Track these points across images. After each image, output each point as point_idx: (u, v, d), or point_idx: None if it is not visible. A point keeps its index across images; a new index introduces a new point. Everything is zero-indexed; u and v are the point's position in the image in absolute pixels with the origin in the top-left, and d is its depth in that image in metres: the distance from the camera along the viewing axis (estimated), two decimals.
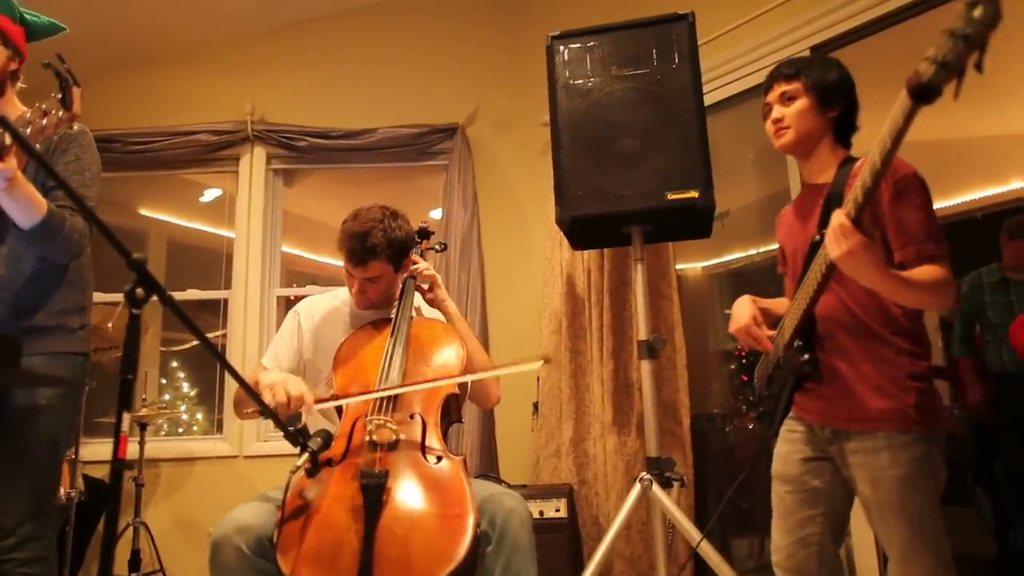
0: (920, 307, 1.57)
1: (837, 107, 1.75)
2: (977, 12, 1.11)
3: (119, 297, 1.25)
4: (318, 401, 1.77)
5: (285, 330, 2.16)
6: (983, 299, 3.45)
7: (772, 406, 1.77)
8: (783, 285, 1.96)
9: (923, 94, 1.18)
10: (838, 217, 1.40)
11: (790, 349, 1.67)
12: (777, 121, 1.76)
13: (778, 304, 1.89)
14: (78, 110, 1.57)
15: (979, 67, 1.13)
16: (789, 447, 1.76)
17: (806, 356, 1.63)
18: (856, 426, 1.60)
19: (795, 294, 1.66)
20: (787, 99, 1.76)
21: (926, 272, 1.50)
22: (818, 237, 1.61)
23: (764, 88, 1.84)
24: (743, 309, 1.80)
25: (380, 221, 2.01)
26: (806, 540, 1.68)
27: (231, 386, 3.80)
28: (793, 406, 1.75)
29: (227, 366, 1.46)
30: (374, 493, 1.53)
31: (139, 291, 1.26)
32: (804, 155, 1.80)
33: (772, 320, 1.80)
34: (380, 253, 1.99)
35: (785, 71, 1.77)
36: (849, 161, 1.73)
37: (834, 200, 1.63)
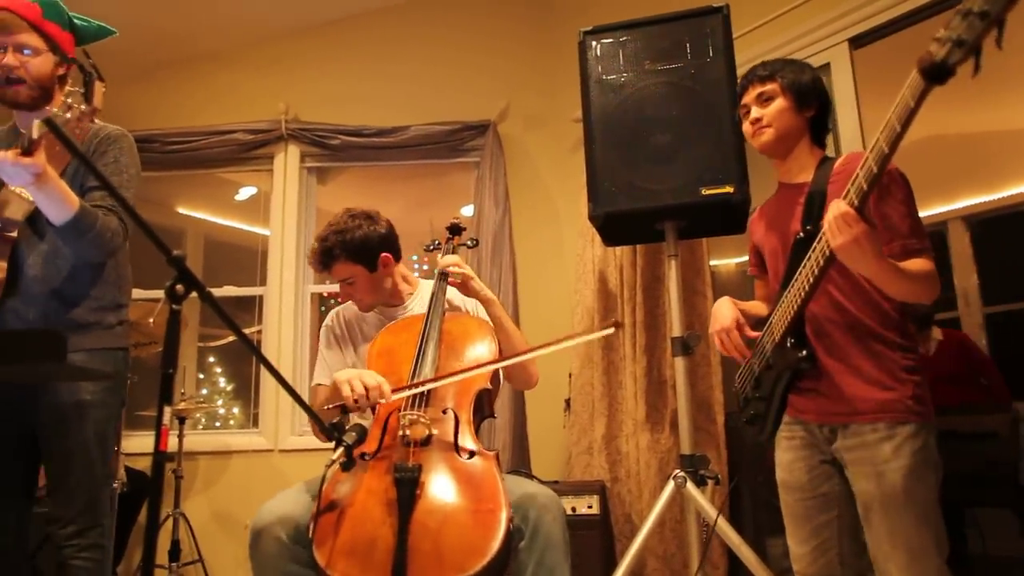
0: (910, 298, 1.56)
1: (813, 107, 1.76)
2: None
3: (159, 293, 1.28)
4: (395, 391, 1.77)
5: (324, 347, 2.21)
6: None
7: (763, 408, 1.75)
8: (756, 287, 1.96)
9: (936, 74, 1.16)
10: (840, 206, 1.39)
11: (783, 348, 1.66)
12: (756, 121, 1.77)
13: (754, 307, 1.88)
14: (99, 104, 1.60)
15: (999, 43, 1.11)
16: (791, 455, 1.73)
17: (803, 353, 1.62)
18: (856, 419, 1.58)
19: (782, 293, 1.65)
20: (764, 100, 1.76)
21: (916, 264, 1.51)
22: (802, 234, 1.62)
23: (739, 91, 1.84)
24: (725, 311, 1.79)
25: (337, 224, 2.10)
26: (824, 546, 1.67)
27: (267, 381, 3.86)
28: (788, 408, 1.73)
29: (264, 360, 1.48)
30: (408, 487, 1.54)
31: (179, 287, 1.29)
32: (783, 155, 1.80)
33: (752, 322, 1.79)
34: (337, 256, 2.07)
35: (760, 72, 1.78)
36: (827, 161, 1.73)
37: (816, 197, 1.65)
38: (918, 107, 1.22)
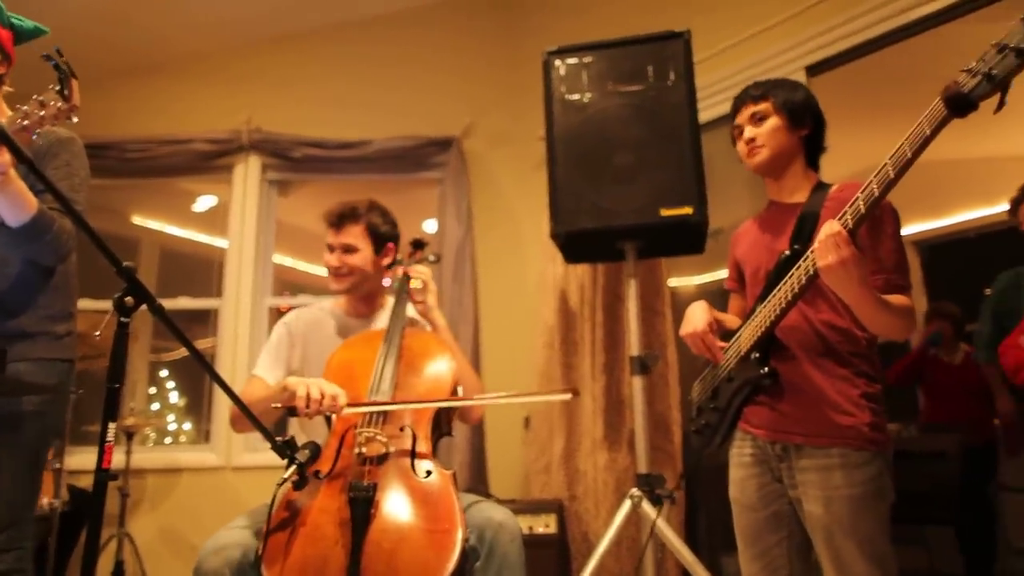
0: (886, 331, 1.57)
1: (807, 126, 1.77)
2: None
3: (109, 304, 1.25)
4: (349, 405, 1.74)
5: (274, 341, 2.17)
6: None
7: (716, 419, 1.75)
8: (731, 301, 1.97)
9: (961, 105, 1.17)
10: (833, 226, 1.40)
11: (747, 362, 1.67)
12: (750, 141, 1.77)
13: (727, 319, 1.88)
14: (77, 101, 1.56)
15: None
16: (743, 472, 1.74)
17: (766, 369, 1.63)
18: (810, 441, 1.59)
19: (756, 309, 1.66)
20: (757, 119, 1.77)
21: (897, 300, 1.52)
22: (788, 252, 1.63)
23: (732, 111, 1.85)
24: (699, 314, 1.76)
25: (372, 201, 2.26)
26: (774, 565, 1.68)
27: (220, 395, 3.77)
28: (741, 421, 1.74)
29: (216, 377, 1.45)
30: (362, 506, 1.51)
31: (128, 299, 1.26)
32: (777, 174, 1.80)
33: (721, 333, 1.79)
34: (360, 217, 2.18)
35: (753, 92, 1.79)
36: (822, 187, 1.74)
37: (808, 219, 1.66)
38: (933, 136, 1.22)
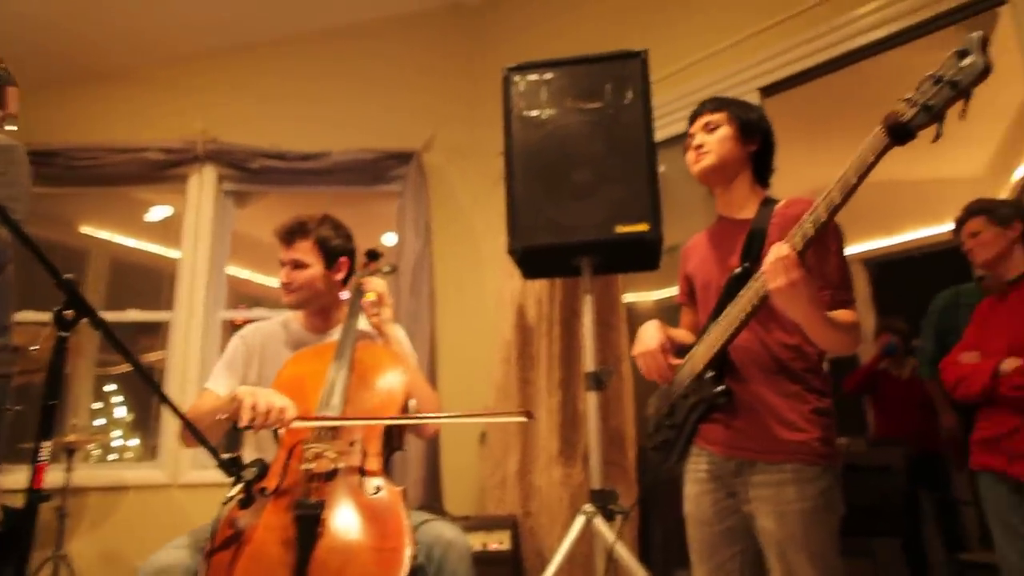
0: (834, 347, 1.59)
1: (756, 142, 1.81)
2: (967, 61, 1.16)
3: (49, 317, 1.20)
4: (299, 419, 1.70)
5: (229, 355, 2.13)
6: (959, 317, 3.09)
7: (674, 436, 1.77)
8: (682, 315, 1.99)
9: (901, 134, 1.21)
10: (782, 249, 1.42)
11: (702, 380, 1.68)
12: (698, 147, 1.81)
13: (680, 335, 1.89)
14: (14, 109, 1.52)
15: (963, 115, 1.17)
16: (698, 487, 1.75)
17: (721, 388, 1.64)
18: (764, 457, 1.61)
19: (710, 325, 1.67)
20: (710, 129, 1.81)
21: (843, 316, 1.56)
22: (739, 270, 1.65)
23: (688, 123, 1.88)
24: (651, 333, 1.78)
25: (323, 215, 2.22)
26: None
27: (168, 411, 3.65)
28: (697, 437, 1.76)
29: (159, 392, 1.41)
30: (308, 524, 1.48)
31: (68, 312, 1.22)
32: (723, 183, 1.83)
33: (675, 350, 1.80)
34: (310, 231, 2.15)
35: (709, 105, 1.84)
36: (769, 202, 1.78)
37: (757, 236, 1.68)
38: (876, 162, 1.27)
